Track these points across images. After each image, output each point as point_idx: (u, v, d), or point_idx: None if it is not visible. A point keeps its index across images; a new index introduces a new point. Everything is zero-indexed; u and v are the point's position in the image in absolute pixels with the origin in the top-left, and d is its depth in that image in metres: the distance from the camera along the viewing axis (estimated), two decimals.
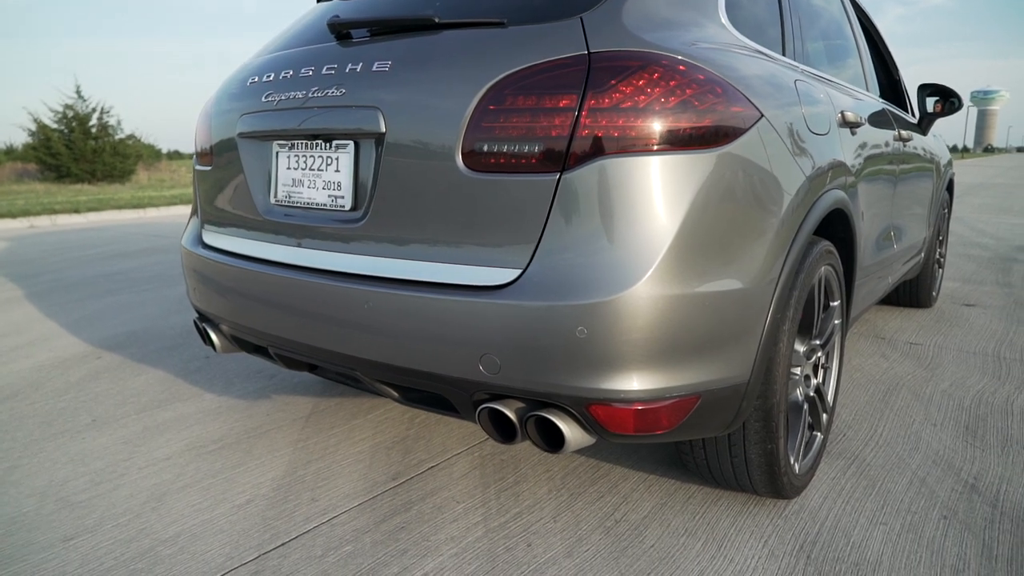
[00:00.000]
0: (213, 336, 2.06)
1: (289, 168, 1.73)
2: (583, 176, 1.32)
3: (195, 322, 2.16)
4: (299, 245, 1.68)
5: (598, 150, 1.31)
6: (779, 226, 1.54)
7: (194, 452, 2.23)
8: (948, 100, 3.43)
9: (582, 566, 1.63)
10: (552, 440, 1.44)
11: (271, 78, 1.74)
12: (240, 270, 1.81)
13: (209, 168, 1.98)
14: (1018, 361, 3.18)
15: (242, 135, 1.82)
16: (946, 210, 4.32)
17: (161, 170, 24.08)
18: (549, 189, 1.33)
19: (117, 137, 19.40)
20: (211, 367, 3.08)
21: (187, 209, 11.39)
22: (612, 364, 1.33)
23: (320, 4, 2.21)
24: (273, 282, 1.71)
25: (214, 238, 2.00)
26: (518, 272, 1.37)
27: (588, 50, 1.36)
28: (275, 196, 1.77)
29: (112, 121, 19.36)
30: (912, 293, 4.05)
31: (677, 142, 1.34)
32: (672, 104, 1.34)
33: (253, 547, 1.70)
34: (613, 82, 1.33)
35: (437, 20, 1.51)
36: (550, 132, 1.33)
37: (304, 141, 1.68)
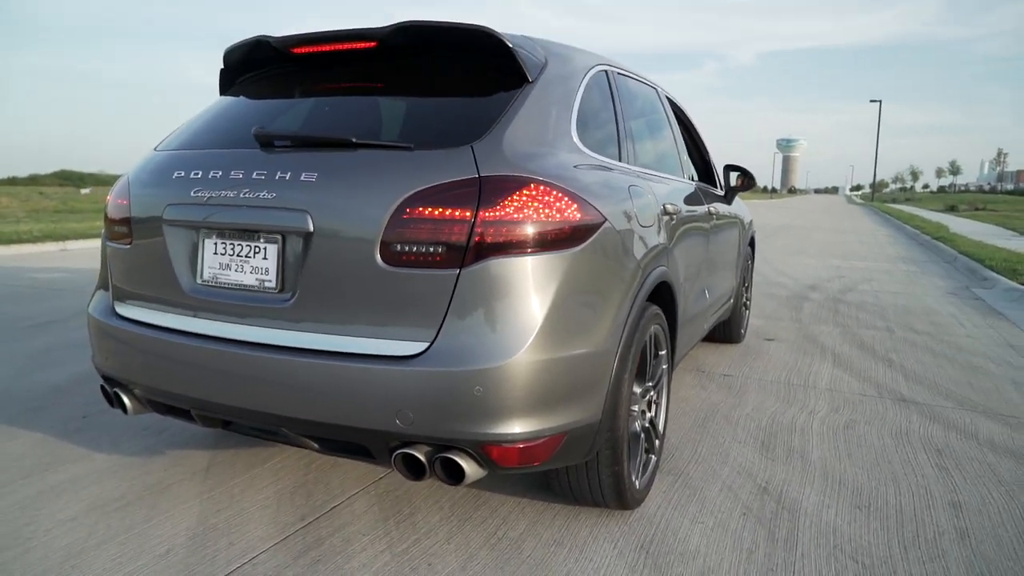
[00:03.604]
0: (125, 399, 2.22)
1: (216, 254, 1.99)
2: (478, 271, 1.73)
3: (103, 387, 2.30)
4: (227, 321, 1.94)
5: (489, 252, 1.74)
6: (619, 301, 2.05)
7: (99, 511, 2.34)
8: (746, 176, 4.25)
9: None
10: (454, 475, 1.82)
11: (199, 175, 2.00)
12: (164, 342, 2.03)
13: (128, 247, 2.17)
14: (801, 387, 3.99)
15: (168, 222, 2.06)
16: (750, 261, 5.22)
17: None
18: (451, 281, 1.73)
19: None
20: (91, 427, 3.11)
21: (12, 250, 10.46)
22: (501, 414, 1.74)
23: (224, 99, 2.48)
24: (200, 353, 1.95)
25: (132, 311, 2.18)
26: (427, 344, 1.75)
27: (479, 174, 1.79)
28: (201, 277, 2.02)
29: None
30: (725, 332, 4.86)
31: (545, 245, 1.80)
32: (542, 217, 1.80)
33: None
34: (499, 200, 1.76)
35: (354, 140, 1.88)
36: (451, 237, 1.73)
37: (231, 231, 1.96)
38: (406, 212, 1.76)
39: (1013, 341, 5.28)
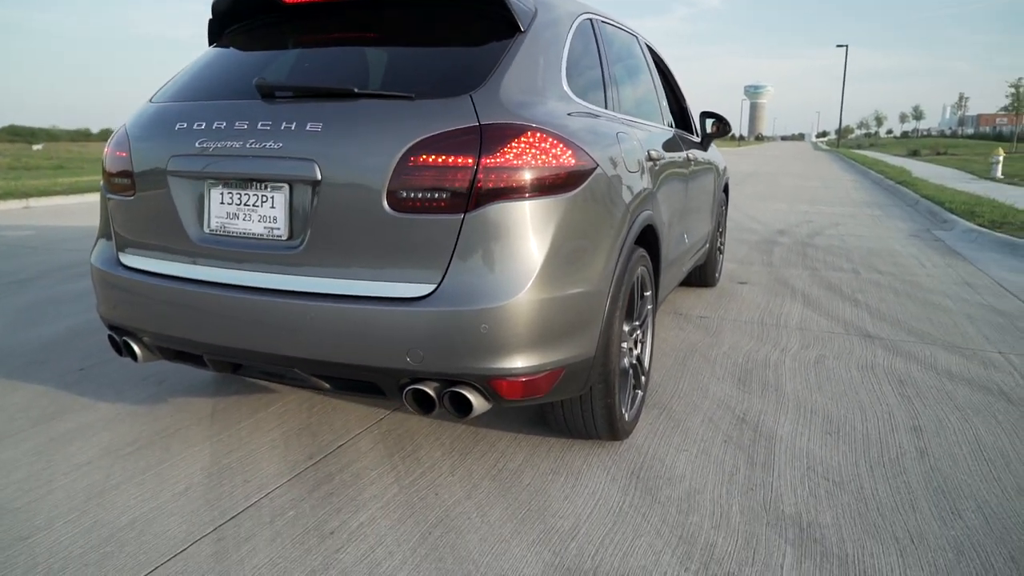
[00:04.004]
0: (135, 347, 2.29)
1: (223, 203, 2.04)
2: (481, 216, 1.82)
3: (110, 336, 2.37)
4: (238, 268, 2.01)
5: (491, 196, 1.83)
6: (611, 244, 2.16)
7: (113, 455, 2.44)
8: (722, 122, 4.35)
9: (480, 503, 2.15)
10: (462, 408, 1.95)
11: (202, 126, 2.03)
12: (175, 290, 2.09)
13: (131, 198, 2.21)
14: (774, 326, 4.19)
15: (172, 173, 2.10)
16: (724, 207, 5.37)
17: None
18: (456, 225, 1.82)
19: None
20: (90, 379, 3.17)
21: None
22: (506, 349, 1.86)
23: (215, 50, 2.48)
24: (213, 299, 2.03)
25: (138, 261, 2.23)
26: (434, 286, 1.85)
27: (479, 122, 1.86)
28: (208, 226, 2.08)
29: None
30: (701, 276, 5.03)
31: (544, 190, 1.89)
32: (540, 163, 1.89)
33: (207, 522, 2.03)
34: (499, 147, 1.84)
35: (356, 91, 1.93)
36: (455, 183, 1.82)
37: (238, 181, 2.01)
38: (411, 160, 1.83)
39: (969, 279, 5.55)
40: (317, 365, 1.97)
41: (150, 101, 2.36)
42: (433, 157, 1.83)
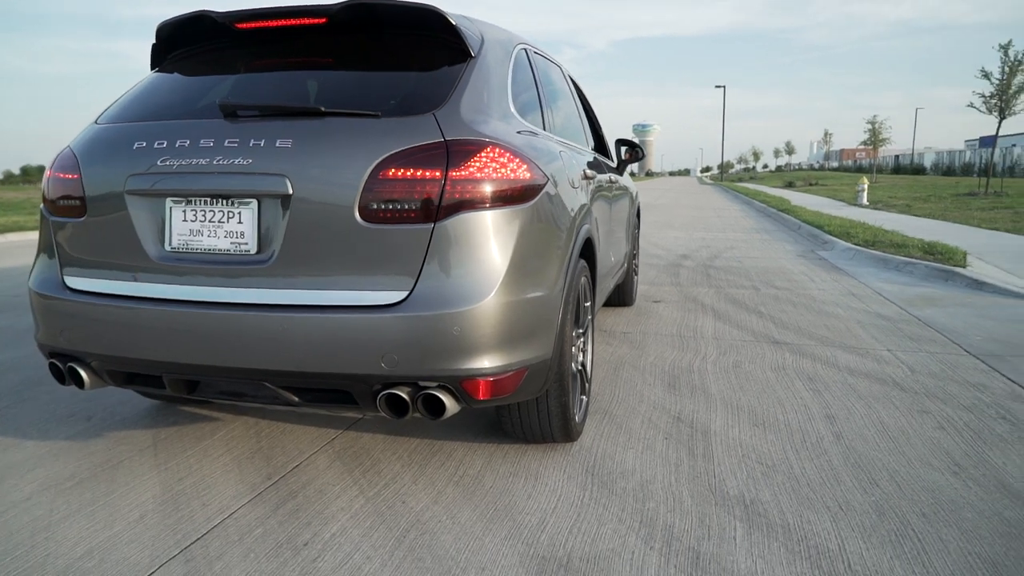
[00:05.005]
0: (83, 373, 2.21)
1: (185, 220, 2.04)
2: (450, 225, 1.93)
3: (52, 364, 2.27)
4: (203, 284, 2.01)
5: (458, 207, 1.94)
6: (562, 252, 2.32)
7: (53, 490, 2.32)
8: (635, 149, 4.67)
9: (448, 507, 2.21)
10: (435, 410, 2.02)
11: (163, 145, 2.04)
12: (132, 310, 2.06)
13: (80, 220, 2.16)
14: (692, 338, 4.48)
15: (131, 192, 2.08)
16: (637, 230, 5.70)
17: None
18: (427, 234, 1.92)
19: None
20: (7, 419, 2.99)
21: None
22: (476, 351, 1.96)
23: (159, 74, 2.48)
24: (176, 317, 2.01)
25: (86, 283, 2.17)
26: (406, 293, 1.93)
27: (444, 138, 1.98)
28: (170, 244, 2.07)
29: None
30: (620, 296, 5.30)
31: (505, 201, 2.03)
32: (500, 176, 2.03)
33: (172, 546, 1.98)
34: (464, 161, 1.97)
35: (323, 110, 2.00)
36: (425, 195, 1.92)
37: (203, 199, 2.03)
38: (381, 173, 1.92)
39: (854, 291, 6.13)
40: (289, 376, 1.99)
41: (95, 123, 2.32)
42: (403, 171, 1.93)
